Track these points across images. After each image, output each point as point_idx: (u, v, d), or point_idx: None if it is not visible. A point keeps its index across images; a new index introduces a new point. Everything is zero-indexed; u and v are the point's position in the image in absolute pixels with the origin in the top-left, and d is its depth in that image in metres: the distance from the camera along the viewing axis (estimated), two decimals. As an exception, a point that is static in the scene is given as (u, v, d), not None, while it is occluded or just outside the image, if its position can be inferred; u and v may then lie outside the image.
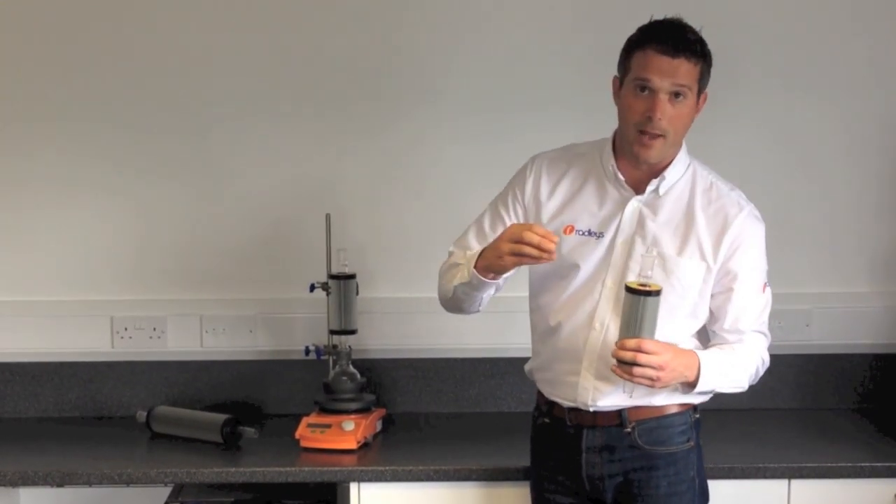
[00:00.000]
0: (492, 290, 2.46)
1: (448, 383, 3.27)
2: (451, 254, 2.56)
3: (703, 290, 2.39)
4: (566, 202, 2.47)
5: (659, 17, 2.37)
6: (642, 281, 2.24)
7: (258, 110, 3.22)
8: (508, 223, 2.47)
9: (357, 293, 3.05)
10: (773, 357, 3.20)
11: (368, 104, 3.21)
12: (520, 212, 2.51)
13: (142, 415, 3.08)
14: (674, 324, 2.37)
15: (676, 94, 2.30)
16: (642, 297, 2.22)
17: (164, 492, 2.94)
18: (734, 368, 2.40)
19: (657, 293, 2.22)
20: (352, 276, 3.03)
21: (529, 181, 2.51)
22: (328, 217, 3.09)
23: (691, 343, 2.42)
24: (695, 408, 2.47)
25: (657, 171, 2.39)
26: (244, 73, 3.21)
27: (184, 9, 3.19)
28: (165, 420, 3.06)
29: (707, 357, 2.37)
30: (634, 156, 2.35)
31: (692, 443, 2.44)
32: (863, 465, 2.71)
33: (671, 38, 2.29)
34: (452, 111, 3.21)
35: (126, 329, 3.24)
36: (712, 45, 3.15)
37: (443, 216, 3.23)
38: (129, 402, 3.24)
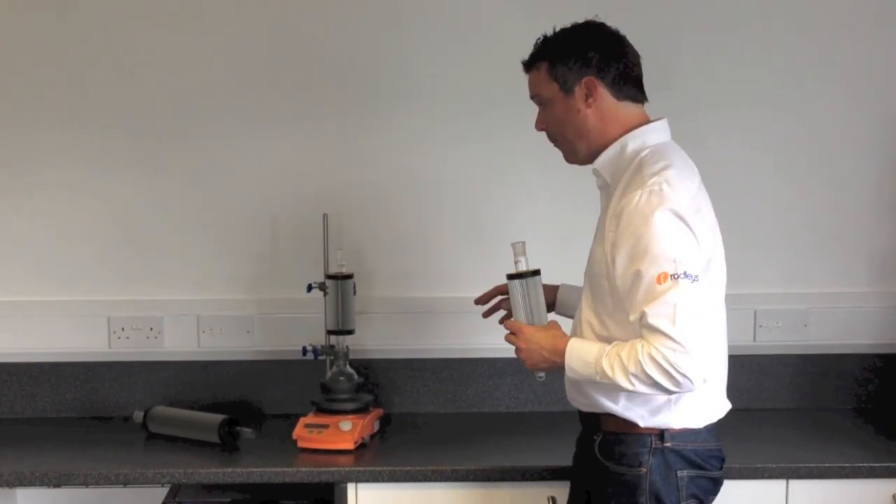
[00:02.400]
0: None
1: (446, 383, 3.27)
2: None
3: (610, 276, 2.27)
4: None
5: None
6: (520, 269, 2.42)
7: (255, 111, 3.21)
8: None
9: (354, 293, 3.05)
10: (772, 357, 3.24)
11: (365, 104, 3.21)
12: None
13: (139, 415, 3.08)
14: (609, 316, 2.32)
15: (541, 103, 2.42)
16: (509, 282, 2.44)
17: (161, 492, 2.94)
18: (605, 364, 2.21)
19: (519, 276, 2.42)
20: (349, 276, 3.03)
21: None
22: (325, 217, 3.09)
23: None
24: (662, 436, 2.32)
25: None
26: (241, 74, 3.21)
27: (180, 11, 3.19)
28: (162, 420, 3.05)
29: (575, 345, 2.30)
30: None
31: (644, 469, 2.31)
32: (861, 465, 2.71)
33: (525, 62, 2.44)
34: (449, 110, 3.21)
35: (123, 329, 3.24)
36: (713, 43, 3.17)
37: (439, 215, 3.24)
38: (126, 403, 3.24)
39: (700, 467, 2.37)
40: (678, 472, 2.34)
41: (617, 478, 2.36)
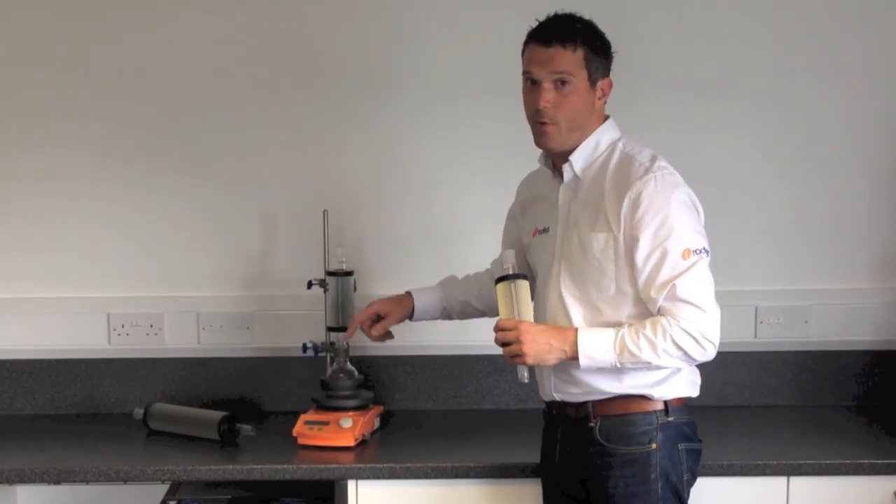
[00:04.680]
0: (437, 315, 2.83)
1: (446, 380, 3.27)
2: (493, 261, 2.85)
3: (617, 260, 2.37)
4: (530, 209, 2.63)
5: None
6: (509, 272, 2.46)
7: (255, 107, 3.21)
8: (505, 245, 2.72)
9: (354, 290, 3.04)
10: (772, 354, 3.23)
11: (364, 100, 3.20)
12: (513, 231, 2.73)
13: (139, 412, 3.07)
14: (605, 301, 2.40)
15: (562, 82, 2.37)
16: (498, 286, 2.46)
17: (161, 489, 2.94)
18: (630, 344, 2.32)
19: (508, 278, 2.44)
20: (349, 273, 3.03)
21: (514, 204, 2.73)
22: (325, 213, 3.08)
23: (631, 320, 2.38)
24: (666, 410, 2.43)
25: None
26: (239, 72, 3.20)
27: (181, 8, 3.18)
28: (162, 417, 3.05)
29: (589, 332, 2.36)
30: (538, 145, 2.47)
31: (654, 445, 2.40)
32: (862, 462, 2.70)
33: (546, 31, 2.39)
34: (450, 105, 3.20)
35: (123, 326, 3.24)
36: (712, 40, 3.18)
37: (440, 211, 3.23)
38: (125, 399, 3.24)
39: (692, 440, 2.47)
40: (679, 445, 2.44)
41: (625, 459, 2.40)
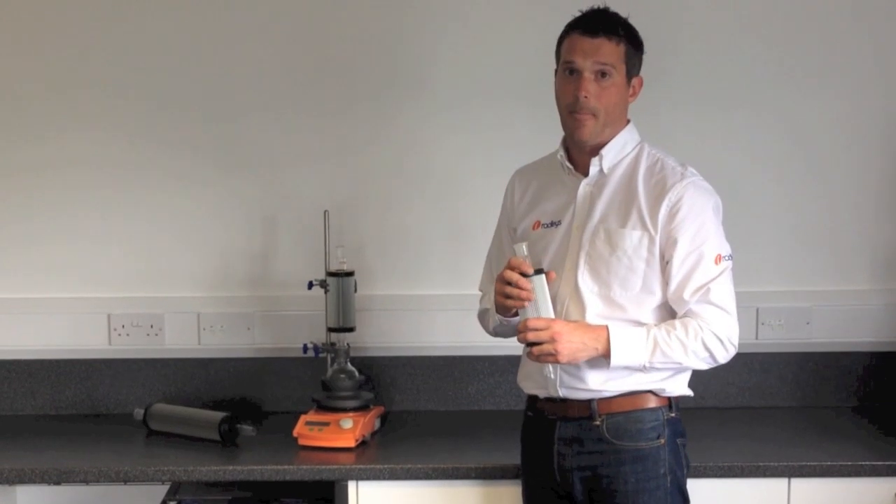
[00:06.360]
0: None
1: (447, 381, 3.26)
2: (480, 298, 2.69)
3: (651, 260, 2.40)
4: (534, 202, 2.58)
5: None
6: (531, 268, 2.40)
7: (256, 109, 3.21)
8: (508, 252, 2.56)
9: (355, 290, 3.04)
10: (774, 355, 3.23)
11: (365, 101, 3.20)
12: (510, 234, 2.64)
13: (139, 412, 3.07)
14: (628, 298, 2.41)
15: (602, 74, 2.39)
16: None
17: (162, 490, 2.93)
18: (663, 344, 2.35)
19: (526, 274, 2.36)
20: (350, 274, 3.03)
21: (508, 198, 2.66)
22: (326, 214, 3.08)
23: (651, 319, 2.41)
24: (670, 406, 2.45)
25: (598, 152, 2.47)
26: (241, 73, 3.20)
27: (187, 10, 3.18)
28: (163, 418, 3.05)
29: (621, 330, 2.36)
30: (570, 137, 2.46)
31: (663, 440, 2.42)
32: (863, 463, 2.70)
33: (591, 21, 2.41)
34: (451, 107, 3.20)
35: (123, 326, 3.24)
36: (713, 41, 3.18)
37: (441, 212, 3.23)
38: (126, 400, 3.24)
39: (685, 435, 2.51)
40: (677, 440, 2.47)
41: (635, 455, 2.41)
